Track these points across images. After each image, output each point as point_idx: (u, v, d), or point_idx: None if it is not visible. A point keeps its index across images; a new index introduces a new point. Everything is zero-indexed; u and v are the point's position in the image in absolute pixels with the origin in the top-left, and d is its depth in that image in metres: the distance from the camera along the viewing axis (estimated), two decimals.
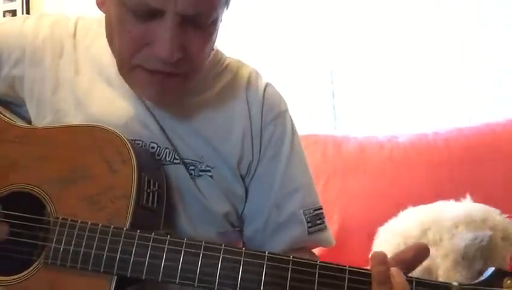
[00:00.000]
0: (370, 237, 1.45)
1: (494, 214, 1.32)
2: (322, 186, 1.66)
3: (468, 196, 1.39)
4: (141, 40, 0.79)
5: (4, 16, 2.44)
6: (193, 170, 0.91)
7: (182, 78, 0.84)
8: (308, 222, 0.95)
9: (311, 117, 2.17)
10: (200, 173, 0.91)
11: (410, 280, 0.68)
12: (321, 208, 0.98)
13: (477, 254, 1.21)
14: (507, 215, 1.34)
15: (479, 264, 1.21)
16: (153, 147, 0.89)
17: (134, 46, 0.80)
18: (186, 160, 0.91)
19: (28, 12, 2.42)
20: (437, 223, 1.31)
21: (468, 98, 2.06)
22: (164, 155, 0.90)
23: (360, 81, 2.16)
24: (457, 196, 1.40)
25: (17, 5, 2.44)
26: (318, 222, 0.96)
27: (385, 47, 2.14)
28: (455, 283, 0.67)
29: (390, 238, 1.33)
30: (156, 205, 0.83)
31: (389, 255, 1.08)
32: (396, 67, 2.13)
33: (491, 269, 0.67)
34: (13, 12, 2.43)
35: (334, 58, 2.19)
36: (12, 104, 0.96)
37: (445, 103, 2.07)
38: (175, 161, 0.90)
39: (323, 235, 0.98)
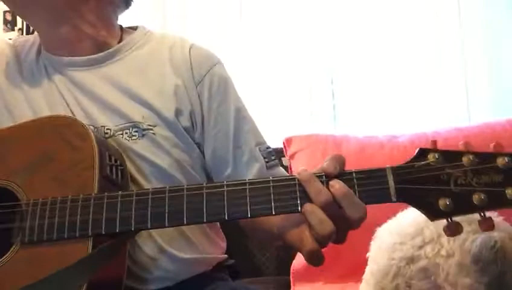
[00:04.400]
0: (370, 236, 1.45)
1: (493, 216, 1.31)
2: None
3: None
4: None
5: (4, 16, 2.45)
6: (136, 131, 0.97)
7: None
8: (264, 158, 1.02)
9: (311, 117, 2.16)
10: (144, 133, 0.97)
11: (349, 172, 0.74)
12: (270, 147, 1.06)
13: (491, 257, 1.20)
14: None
15: (495, 267, 1.19)
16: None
17: None
18: (126, 124, 0.96)
19: None
20: (436, 222, 1.30)
21: (468, 98, 2.06)
22: (101, 132, 0.96)
23: (360, 81, 2.16)
24: None
25: None
26: (272, 157, 1.04)
27: (385, 47, 2.14)
28: (388, 166, 0.74)
29: (386, 238, 1.32)
30: (121, 180, 0.88)
31: (385, 255, 1.11)
32: (396, 67, 2.13)
33: (417, 149, 0.76)
34: (13, 12, 2.43)
35: (334, 59, 2.19)
36: None
37: (445, 103, 2.07)
38: (108, 134, 0.96)
39: (280, 170, 1.06)
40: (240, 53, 2.19)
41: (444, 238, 1.26)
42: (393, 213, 1.43)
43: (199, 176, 1.03)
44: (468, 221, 1.28)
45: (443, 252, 1.25)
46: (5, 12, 2.45)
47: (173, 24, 2.26)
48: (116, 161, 0.88)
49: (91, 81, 1.00)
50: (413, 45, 2.11)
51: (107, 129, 0.96)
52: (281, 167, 1.06)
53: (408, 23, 2.12)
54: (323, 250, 0.75)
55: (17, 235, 0.81)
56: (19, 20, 2.43)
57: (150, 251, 0.95)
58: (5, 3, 0.99)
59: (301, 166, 1.72)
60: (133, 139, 0.96)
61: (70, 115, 0.96)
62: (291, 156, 1.77)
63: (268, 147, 1.05)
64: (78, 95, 0.99)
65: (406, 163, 0.74)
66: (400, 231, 1.32)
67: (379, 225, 1.38)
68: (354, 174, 0.74)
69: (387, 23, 2.14)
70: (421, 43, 2.10)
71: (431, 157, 0.75)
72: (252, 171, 1.01)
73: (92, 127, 0.93)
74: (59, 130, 0.87)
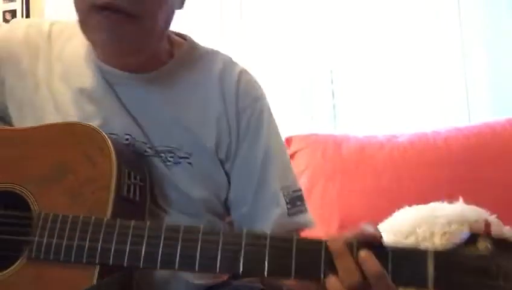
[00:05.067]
0: None
1: (486, 215, 1.32)
2: (322, 186, 1.65)
3: (460, 198, 1.39)
4: None
5: (4, 16, 2.45)
6: (172, 157, 0.93)
7: (133, 22, 0.85)
8: (287, 203, 0.96)
9: (311, 117, 2.16)
10: (179, 160, 0.93)
11: (385, 248, 0.67)
12: (300, 190, 0.99)
13: None
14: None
15: None
16: (127, 139, 0.91)
17: None
18: (163, 148, 0.93)
19: (28, 12, 2.42)
20: (429, 221, 1.31)
21: (468, 98, 2.06)
22: (139, 147, 0.92)
23: (360, 81, 2.15)
24: (457, 196, 1.40)
25: (17, 5, 2.44)
26: (298, 203, 0.97)
27: (385, 47, 2.14)
28: (430, 249, 0.67)
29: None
30: (139, 197, 0.84)
31: None
32: (396, 67, 2.13)
33: (467, 234, 0.68)
34: (13, 12, 2.44)
35: (334, 58, 2.19)
36: None
37: (445, 103, 2.07)
38: (147, 152, 0.92)
39: (304, 217, 0.98)
40: (240, 53, 2.18)
41: (437, 238, 1.27)
42: (390, 213, 1.44)
43: (222, 206, 0.99)
44: (460, 222, 1.29)
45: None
46: (4, 12, 2.46)
47: (173, 24, 2.25)
48: (135, 178, 0.84)
49: (137, 98, 0.94)
50: (413, 45, 2.11)
51: (148, 148, 0.92)
52: (306, 214, 0.98)
53: (408, 23, 2.12)
54: None
55: (24, 248, 0.79)
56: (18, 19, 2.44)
57: (163, 275, 0.90)
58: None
59: (301, 165, 1.73)
60: (167, 165, 0.92)
61: (104, 125, 0.89)
62: (291, 156, 1.77)
63: (295, 191, 0.98)
64: (121, 110, 0.94)
65: (452, 248, 0.68)
66: (394, 230, 1.33)
67: (376, 223, 1.38)
68: (390, 253, 0.67)
69: (387, 23, 2.14)
70: (421, 43, 2.10)
71: (482, 245, 0.66)
72: (271, 217, 0.95)
73: (128, 136, 0.91)
74: (81, 141, 0.83)
